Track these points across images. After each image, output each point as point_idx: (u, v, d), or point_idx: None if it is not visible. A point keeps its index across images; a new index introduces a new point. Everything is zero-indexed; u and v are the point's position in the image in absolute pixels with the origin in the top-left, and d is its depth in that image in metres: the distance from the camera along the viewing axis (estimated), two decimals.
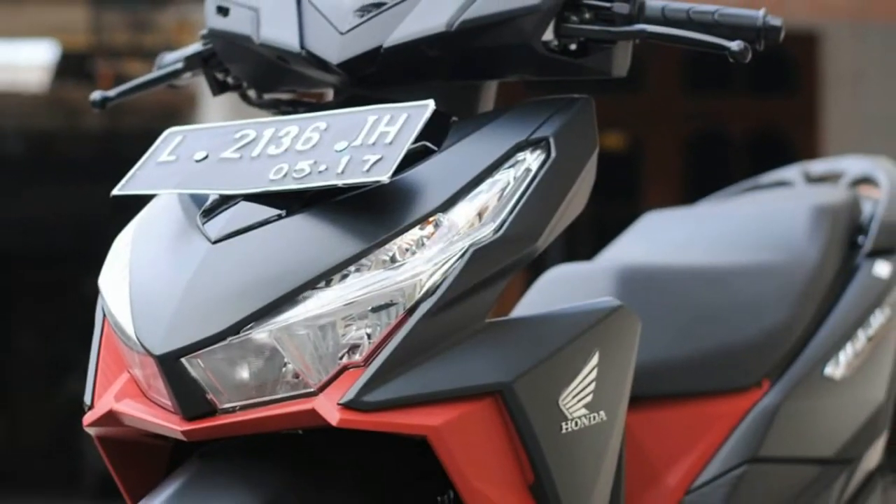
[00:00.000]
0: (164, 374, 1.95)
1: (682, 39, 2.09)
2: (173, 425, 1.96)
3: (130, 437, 2.08)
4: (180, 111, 12.76)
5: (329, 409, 1.90)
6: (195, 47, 2.40)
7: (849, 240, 2.75)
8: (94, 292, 2.13)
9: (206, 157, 2.05)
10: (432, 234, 1.97)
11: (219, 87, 2.40)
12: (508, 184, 2.01)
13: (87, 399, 2.06)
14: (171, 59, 2.44)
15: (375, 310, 1.94)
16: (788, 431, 2.54)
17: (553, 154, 2.03)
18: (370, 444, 2.02)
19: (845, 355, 2.62)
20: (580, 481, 2.03)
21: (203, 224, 2.05)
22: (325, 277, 1.94)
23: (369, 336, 1.93)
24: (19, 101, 15.17)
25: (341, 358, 1.93)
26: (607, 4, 2.11)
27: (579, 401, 2.03)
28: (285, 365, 1.93)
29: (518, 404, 1.96)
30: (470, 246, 1.96)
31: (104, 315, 2.09)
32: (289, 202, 2.02)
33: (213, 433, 1.95)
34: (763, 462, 2.51)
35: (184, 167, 2.05)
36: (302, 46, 2.15)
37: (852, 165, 3.01)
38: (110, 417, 2.03)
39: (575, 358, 2.03)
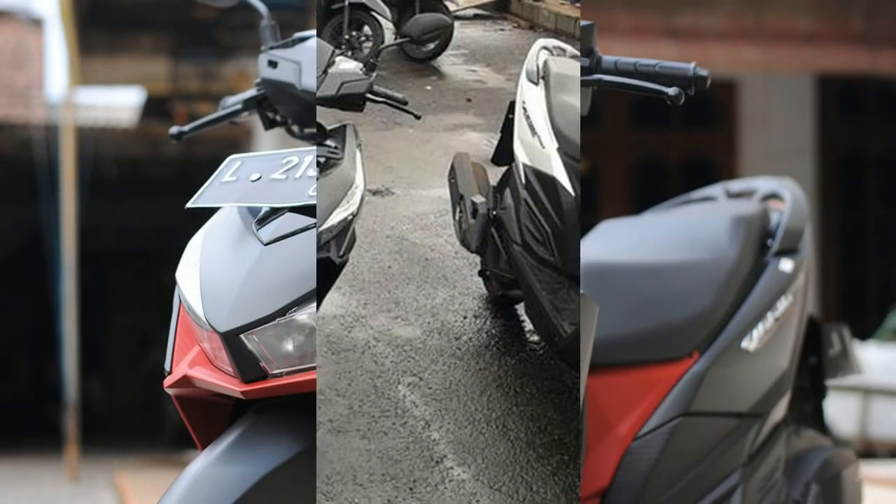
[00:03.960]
0: (226, 346, 1.95)
1: (630, 86, 2.09)
2: (234, 387, 1.96)
3: (200, 396, 2.08)
4: (239, 142, 12.74)
5: None
6: (251, 92, 2.39)
7: (760, 242, 2.74)
8: (172, 283, 2.12)
9: (259, 178, 2.05)
10: None
11: (269, 124, 2.40)
12: None
13: (167, 366, 2.06)
14: (233, 102, 2.43)
15: None
16: (713, 392, 2.53)
17: None
18: None
19: (758, 332, 2.61)
20: None
21: (257, 230, 2.05)
22: None
23: None
24: (114, 134, 15.18)
25: None
26: None
27: None
28: None
29: None
30: None
31: (180, 301, 2.09)
32: None
33: (264, 393, 1.95)
34: (693, 415, 2.50)
35: (242, 186, 2.05)
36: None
37: (763, 184, 3.00)
38: (185, 381, 2.03)
39: None
